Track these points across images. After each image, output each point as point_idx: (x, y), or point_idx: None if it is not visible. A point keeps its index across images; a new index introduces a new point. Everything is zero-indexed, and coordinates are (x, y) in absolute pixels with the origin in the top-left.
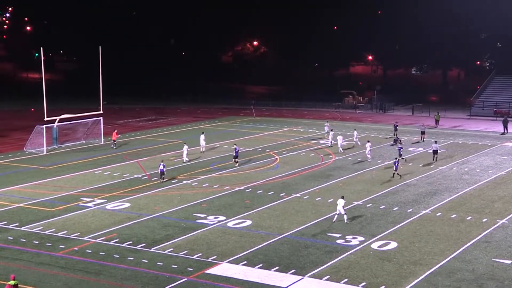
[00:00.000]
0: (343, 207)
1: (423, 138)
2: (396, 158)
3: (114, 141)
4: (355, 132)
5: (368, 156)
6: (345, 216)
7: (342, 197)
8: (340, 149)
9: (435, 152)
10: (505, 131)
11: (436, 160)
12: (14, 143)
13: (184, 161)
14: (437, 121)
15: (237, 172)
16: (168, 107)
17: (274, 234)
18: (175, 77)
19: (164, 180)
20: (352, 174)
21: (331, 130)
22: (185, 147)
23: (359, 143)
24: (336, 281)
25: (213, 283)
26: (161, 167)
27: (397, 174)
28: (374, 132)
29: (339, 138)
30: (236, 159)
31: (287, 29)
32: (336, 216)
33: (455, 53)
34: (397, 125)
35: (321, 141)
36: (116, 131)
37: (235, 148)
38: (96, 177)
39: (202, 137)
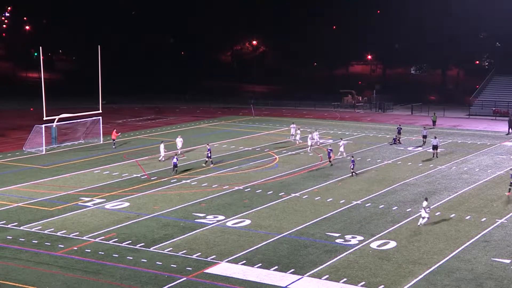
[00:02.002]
0: (425, 209)
1: (424, 141)
2: (352, 157)
3: (114, 140)
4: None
5: (343, 154)
6: (424, 220)
7: (426, 199)
8: (310, 148)
9: (435, 147)
10: (510, 131)
11: (436, 156)
12: (13, 143)
13: (159, 159)
14: (434, 122)
15: (236, 172)
16: (167, 106)
17: (273, 233)
18: (174, 76)
19: (177, 172)
20: (351, 174)
21: (315, 130)
22: (162, 145)
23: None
24: (335, 281)
25: (212, 282)
26: (174, 160)
27: (354, 173)
28: (373, 131)
29: (314, 136)
30: (209, 159)
31: (286, 28)
32: (421, 219)
33: (454, 52)
34: (401, 129)
35: (320, 141)
36: (115, 130)
37: (208, 149)
38: (95, 176)
39: (179, 139)
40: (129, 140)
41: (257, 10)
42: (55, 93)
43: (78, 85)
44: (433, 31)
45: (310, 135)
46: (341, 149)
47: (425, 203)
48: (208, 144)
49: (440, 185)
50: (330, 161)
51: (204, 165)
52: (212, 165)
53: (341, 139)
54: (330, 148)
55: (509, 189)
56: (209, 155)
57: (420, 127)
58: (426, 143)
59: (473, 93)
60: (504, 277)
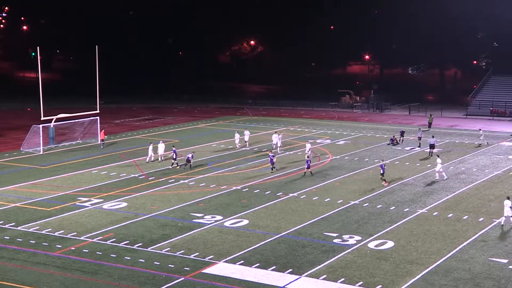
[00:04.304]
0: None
1: (420, 143)
2: (308, 157)
3: (102, 140)
4: (246, 132)
5: (309, 155)
6: (505, 219)
7: (508, 198)
8: (278, 148)
9: (431, 146)
10: None
11: (431, 155)
12: (11, 143)
13: (146, 161)
14: (430, 124)
15: (234, 172)
16: (165, 106)
17: (271, 233)
18: (172, 76)
19: (191, 168)
20: (349, 174)
21: (278, 133)
22: (151, 146)
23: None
24: (333, 281)
25: (210, 282)
26: (189, 155)
27: (310, 172)
28: (371, 131)
29: (275, 137)
30: (175, 160)
31: (285, 28)
32: (503, 218)
33: (452, 52)
34: (403, 132)
35: (318, 141)
36: (103, 130)
37: (174, 150)
38: (93, 176)
39: (161, 145)
40: (127, 140)
41: (256, 10)
42: (53, 93)
43: (75, 85)
44: (431, 31)
45: (275, 135)
46: (307, 150)
47: (509, 202)
48: (174, 146)
49: (438, 185)
50: (273, 167)
51: (178, 167)
52: (177, 167)
53: (307, 141)
54: (272, 155)
55: (384, 180)
56: (174, 157)
57: (418, 127)
58: (423, 143)
59: (471, 93)
60: (502, 277)
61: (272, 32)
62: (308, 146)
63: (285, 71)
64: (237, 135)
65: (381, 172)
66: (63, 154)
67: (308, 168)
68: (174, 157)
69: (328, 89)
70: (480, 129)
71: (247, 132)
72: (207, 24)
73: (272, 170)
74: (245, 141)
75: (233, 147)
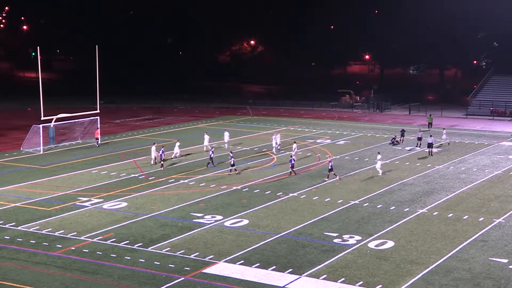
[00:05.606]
0: None
1: (419, 144)
2: (291, 156)
3: (97, 139)
4: (226, 133)
5: (277, 147)
6: None
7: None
8: (226, 145)
9: (430, 145)
10: None
11: (431, 155)
12: (11, 143)
13: (173, 157)
14: (430, 124)
15: (234, 172)
16: (166, 106)
17: (271, 233)
18: (172, 76)
19: (211, 164)
20: (349, 174)
21: (275, 134)
22: (176, 145)
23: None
24: (333, 280)
25: (210, 282)
26: (210, 152)
27: (293, 172)
28: (371, 131)
29: (276, 138)
30: (162, 161)
31: (284, 28)
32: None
33: (452, 52)
34: (404, 131)
35: (318, 141)
36: (97, 129)
37: (162, 151)
38: (93, 176)
39: (154, 148)
40: (126, 140)
41: (256, 9)
42: (53, 93)
43: (75, 85)
44: (431, 31)
45: (274, 136)
46: (293, 152)
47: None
48: (163, 147)
49: (438, 185)
50: (234, 170)
51: (162, 168)
52: (162, 168)
53: (294, 142)
54: (232, 155)
55: (334, 174)
56: (162, 157)
57: (418, 127)
58: (423, 143)
59: (471, 93)
60: (502, 277)
61: (272, 32)
62: (294, 146)
63: (285, 71)
64: (206, 137)
65: (329, 167)
66: (63, 154)
67: (292, 167)
68: (162, 157)
69: (328, 89)
70: (443, 128)
71: (226, 134)
72: (207, 24)
73: (231, 171)
74: (225, 142)
75: (219, 147)
